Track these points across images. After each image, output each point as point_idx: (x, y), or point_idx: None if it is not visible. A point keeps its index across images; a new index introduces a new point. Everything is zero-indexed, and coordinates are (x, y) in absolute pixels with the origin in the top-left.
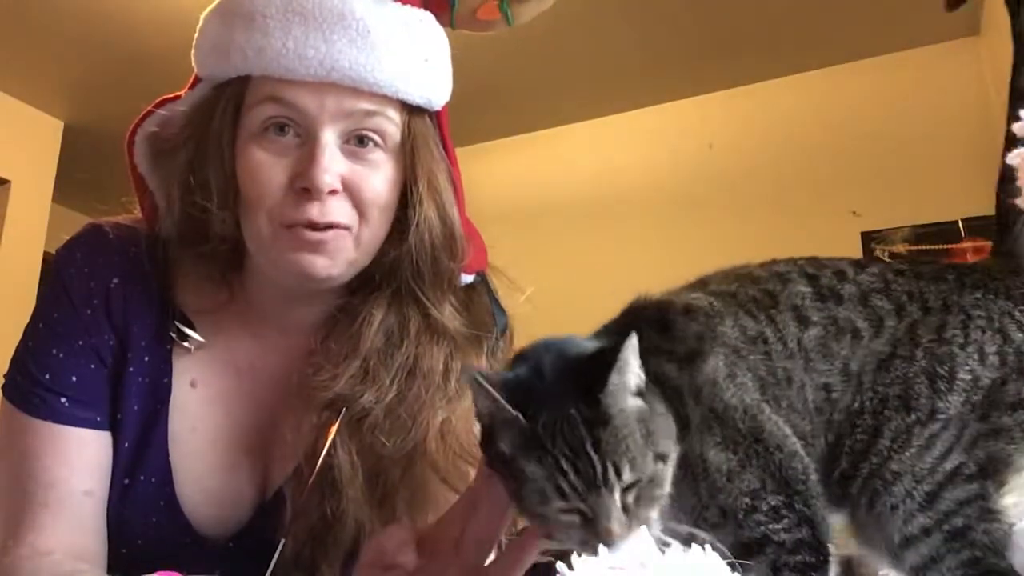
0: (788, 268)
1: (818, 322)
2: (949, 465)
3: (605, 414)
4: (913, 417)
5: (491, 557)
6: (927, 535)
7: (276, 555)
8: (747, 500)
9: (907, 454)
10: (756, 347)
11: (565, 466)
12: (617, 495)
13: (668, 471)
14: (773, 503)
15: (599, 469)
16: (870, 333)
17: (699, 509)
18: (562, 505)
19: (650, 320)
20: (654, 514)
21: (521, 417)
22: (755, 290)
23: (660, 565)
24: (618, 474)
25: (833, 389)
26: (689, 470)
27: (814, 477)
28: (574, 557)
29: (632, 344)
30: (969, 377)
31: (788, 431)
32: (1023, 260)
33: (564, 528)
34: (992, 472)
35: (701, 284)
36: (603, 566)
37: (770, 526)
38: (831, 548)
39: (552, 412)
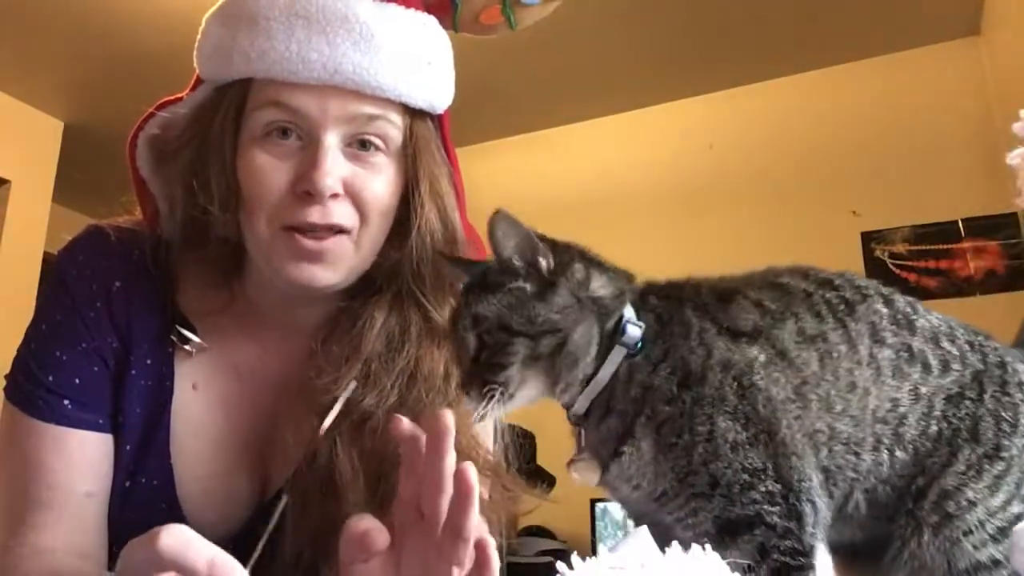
0: (866, 283)
1: (892, 345)
2: (1015, 510)
3: (485, 283)
4: (981, 450)
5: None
6: (996, 567)
7: (278, 511)
8: (746, 477)
9: (980, 486)
10: (813, 345)
11: (458, 305)
12: (470, 346)
13: (515, 345)
14: (771, 488)
15: (461, 313)
16: (939, 371)
17: (686, 473)
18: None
19: (715, 287)
20: (499, 379)
21: (467, 276)
22: (831, 293)
23: (660, 565)
24: (464, 324)
25: (900, 404)
26: (689, 431)
27: (814, 483)
28: (574, 557)
29: (495, 227)
30: None
31: (803, 448)
32: None
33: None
34: None
35: (770, 276)
36: (603, 566)
37: (764, 507)
38: (814, 551)
39: (477, 280)
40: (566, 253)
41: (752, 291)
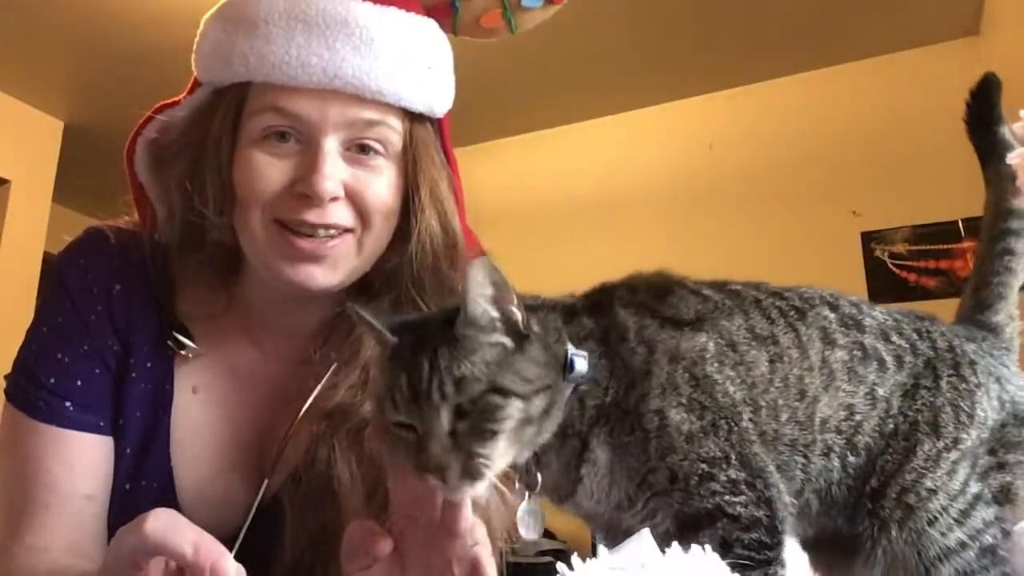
0: (811, 293)
1: (844, 346)
2: (973, 490)
3: (452, 338)
4: (941, 443)
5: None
6: (963, 548)
7: (259, 495)
8: (704, 466)
9: (938, 474)
10: (763, 345)
11: (402, 379)
12: (444, 417)
13: (510, 408)
14: (733, 476)
15: (425, 382)
16: (895, 367)
17: (644, 472)
18: (395, 416)
19: (652, 284)
20: (488, 451)
21: (389, 335)
22: (781, 302)
23: (660, 566)
24: (442, 392)
25: (856, 411)
26: (640, 428)
27: (772, 468)
28: (574, 558)
29: (475, 272)
30: (983, 414)
31: (755, 438)
32: (999, 331)
33: (402, 448)
34: (1005, 500)
35: (722, 283)
36: (603, 567)
37: (725, 497)
38: (782, 544)
39: (417, 336)
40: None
41: (691, 283)
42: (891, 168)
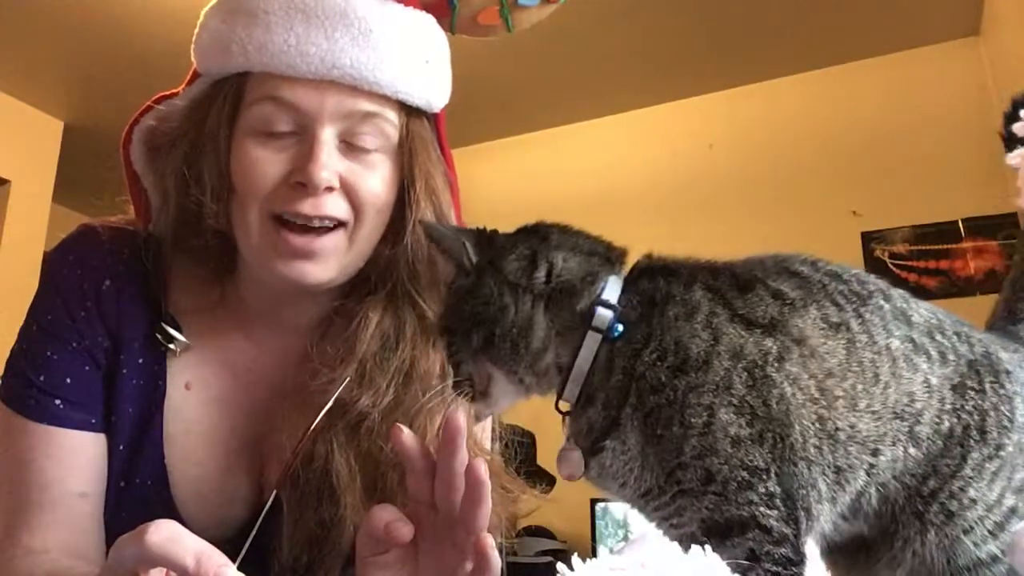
0: (866, 277)
1: (899, 336)
2: (1008, 503)
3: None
4: (987, 450)
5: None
6: (995, 562)
7: (266, 508)
8: (745, 474)
9: (981, 484)
10: (838, 334)
11: None
12: (441, 348)
13: (456, 345)
14: (772, 489)
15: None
16: (940, 362)
17: (675, 467)
18: None
19: (735, 273)
20: (456, 375)
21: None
22: (843, 286)
23: (660, 565)
24: (437, 328)
25: (916, 398)
26: (681, 423)
27: (817, 491)
28: (574, 558)
29: (424, 234)
30: (1021, 420)
31: (816, 452)
32: None
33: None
34: None
35: (784, 261)
36: (603, 566)
37: (761, 509)
38: (805, 562)
39: None
40: (511, 242)
41: (771, 280)
42: (891, 168)
